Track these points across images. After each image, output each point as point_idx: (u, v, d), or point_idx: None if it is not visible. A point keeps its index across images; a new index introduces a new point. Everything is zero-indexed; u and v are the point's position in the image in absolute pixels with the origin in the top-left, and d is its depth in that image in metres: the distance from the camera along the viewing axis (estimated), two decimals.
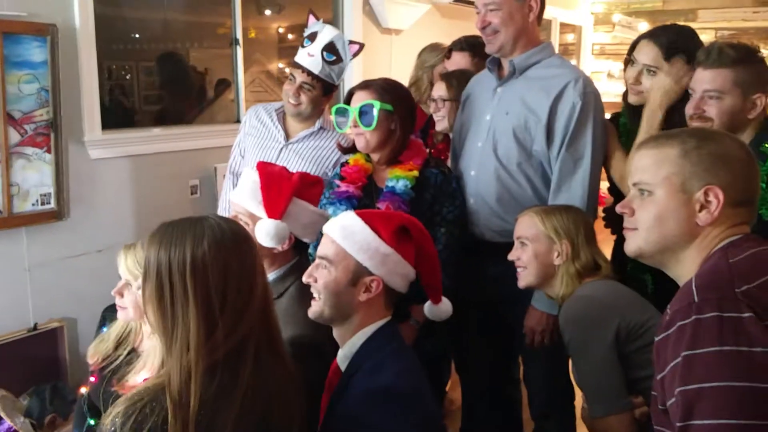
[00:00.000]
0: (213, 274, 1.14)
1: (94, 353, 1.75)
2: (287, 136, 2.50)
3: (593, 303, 1.67)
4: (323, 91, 2.43)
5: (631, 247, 1.26)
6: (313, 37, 2.39)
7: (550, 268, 1.80)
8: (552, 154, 2.03)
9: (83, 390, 1.85)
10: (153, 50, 3.41)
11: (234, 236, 1.20)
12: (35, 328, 2.71)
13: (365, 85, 2.03)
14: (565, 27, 6.69)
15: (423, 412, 1.34)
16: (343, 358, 1.44)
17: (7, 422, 2.46)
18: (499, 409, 2.38)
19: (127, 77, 3.35)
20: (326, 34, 2.39)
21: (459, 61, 2.78)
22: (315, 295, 1.44)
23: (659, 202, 1.21)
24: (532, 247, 1.81)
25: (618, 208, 1.30)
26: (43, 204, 2.66)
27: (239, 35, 3.56)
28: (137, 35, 3.34)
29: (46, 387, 2.67)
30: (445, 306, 1.61)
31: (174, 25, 3.50)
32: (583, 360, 1.63)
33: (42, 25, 2.54)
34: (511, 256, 1.87)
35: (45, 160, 2.64)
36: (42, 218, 2.67)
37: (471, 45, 2.75)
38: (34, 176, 2.61)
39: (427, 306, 1.62)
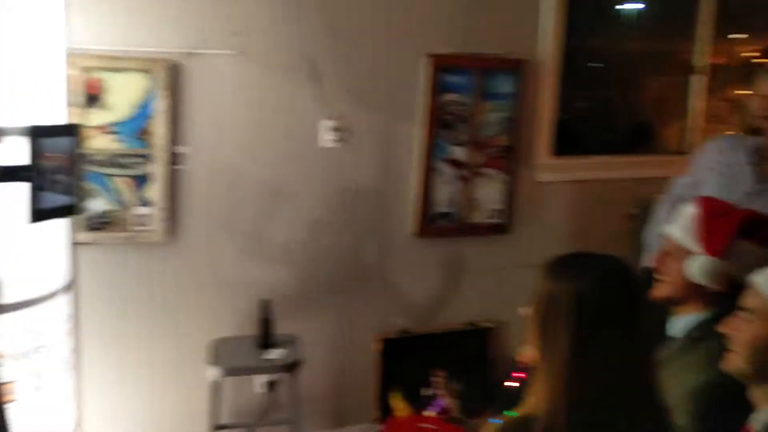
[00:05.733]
0: (592, 311, 1.16)
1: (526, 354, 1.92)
2: (761, 181, 2.15)
3: None
4: None
5: None
6: None
7: None
8: None
9: (508, 384, 2.06)
10: (609, 80, 3.53)
11: (621, 277, 1.20)
12: (472, 324, 3.10)
13: None
14: None
15: None
16: (760, 423, 1.28)
17: (443, 401, 2.87)
18: None
19: (583, 106, 3.52)
20: None
21: None
22: (732, 347, 1.32)
23: None
24: None
25: None
26: (493, 218, 3.03)
27: (699, 62, 3.42)
28: (596, 65, 3.49)
29: (476, 378, 3.03)
30: None
31: (632, 55, 3.54)
32: None
33: (514, 60, 2.91)
34: None
35: (499, 180, 3.00)
36: (491, 230, 3.04)
37: None
38: (489, 193, 3.00)
39: None
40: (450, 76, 2.81)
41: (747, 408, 1.33)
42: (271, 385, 2.84)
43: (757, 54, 3.77)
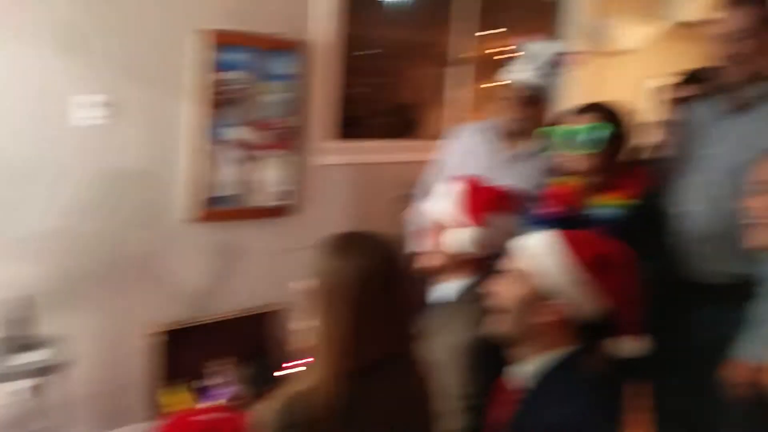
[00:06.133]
0: (371, 285, 1.26)
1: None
2: (503, 155, 2.45)
3: None
4: (539, 107, 2.40)
5: None
6: (528, 52, 2.38)
7: None
8: None
9: (286, 365, 2.07)
10: (382, 67, 3.69)
11: (393, 254, 1.33)
12: (256, 308, 3.05)
13: (590, 107, 2.03)
14: None
15: None
16: (517, 376, 1.43)
17: (231, 388, 2.80)
18: None
19: (361, 91, 3.63)
20: (544, 48, 2.37)
21: None
22: (495, 307, 1.45)
23: None
24: None
25: None
26: (276, 200, 3.01)
27: (455, 54, 3.73)
28: (373, 52, 3.62)
29: (261, 361, 2.99)
30: (637, 344, 1.51)
31: (401, 44, 3.74)
32: None
33: (293, 42, 2.89)
34: (751, 203, 1.57)
35: (285, 161, 2.98)
36: (275, 213, 3.02)
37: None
38: (272, 175, 2.96)
39: (619, 341, 1.53)
40: (228, 54, 2.69)
41: (503, 363, 1.47)
42: (30, 391, 2.53)
43: (508, 49, 4.20)
